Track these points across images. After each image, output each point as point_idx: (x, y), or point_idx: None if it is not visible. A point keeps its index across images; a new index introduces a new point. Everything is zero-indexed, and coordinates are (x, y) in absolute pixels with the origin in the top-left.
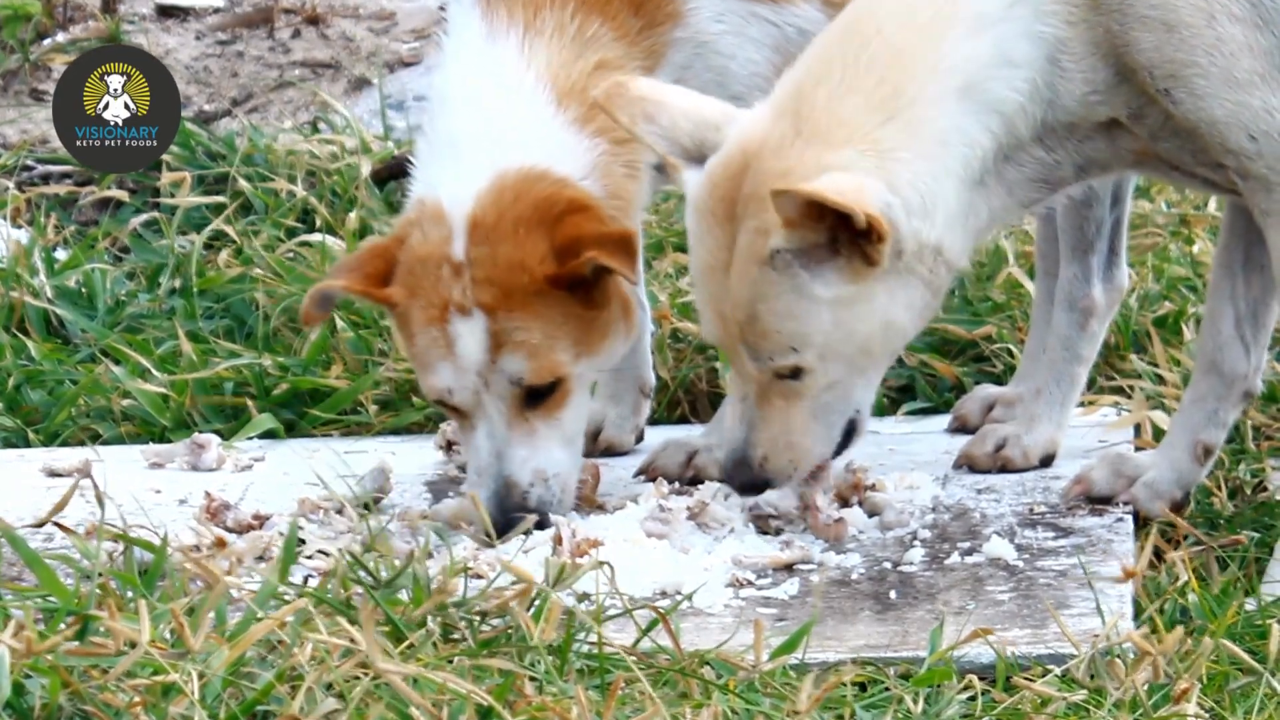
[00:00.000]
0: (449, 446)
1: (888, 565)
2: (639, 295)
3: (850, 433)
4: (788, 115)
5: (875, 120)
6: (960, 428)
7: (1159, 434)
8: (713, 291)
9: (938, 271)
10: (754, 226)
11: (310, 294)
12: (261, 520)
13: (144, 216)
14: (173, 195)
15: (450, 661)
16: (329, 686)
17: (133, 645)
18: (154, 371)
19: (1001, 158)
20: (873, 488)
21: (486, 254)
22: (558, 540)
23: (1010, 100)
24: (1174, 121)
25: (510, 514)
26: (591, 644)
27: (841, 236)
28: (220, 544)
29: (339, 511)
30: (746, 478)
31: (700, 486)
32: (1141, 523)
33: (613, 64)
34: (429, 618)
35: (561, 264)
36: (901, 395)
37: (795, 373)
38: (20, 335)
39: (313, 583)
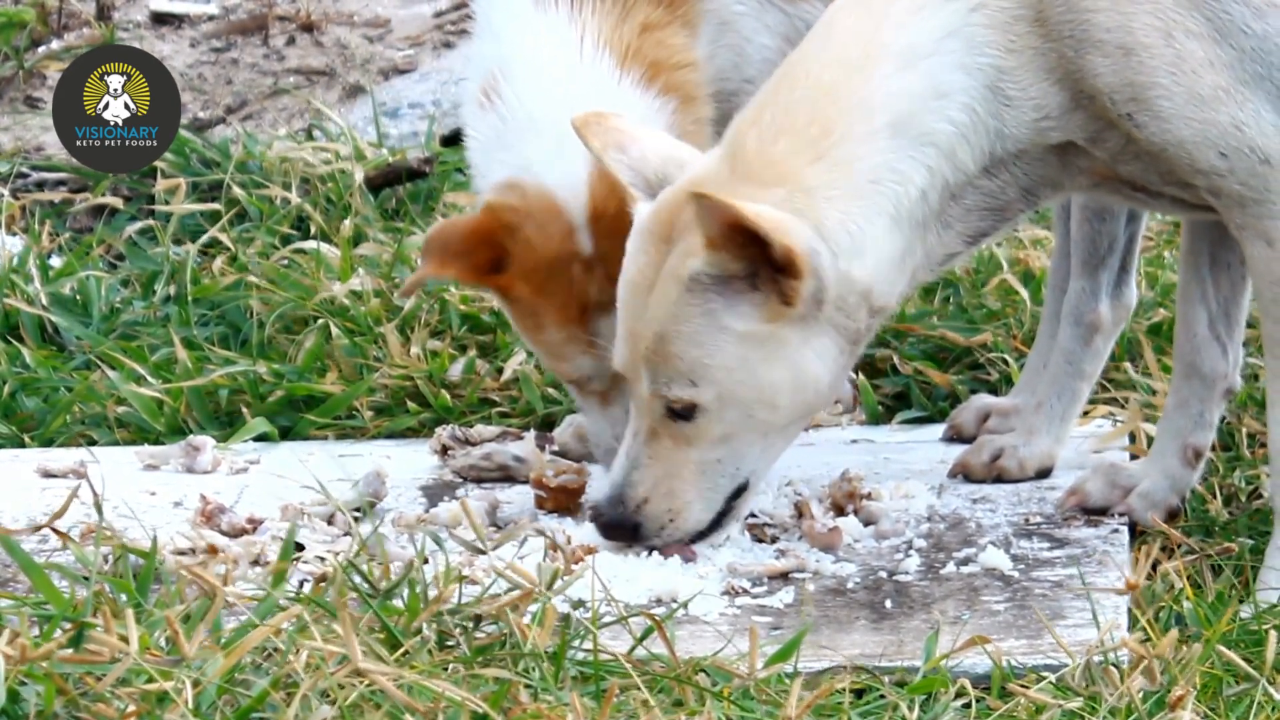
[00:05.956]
0: (444, 451)
1: (883, 574)
2: None
3: (735, 497)
4: (728, 157)
5: (804, 160)
6: (955, 437)
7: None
8: (631, 309)
9: (857, 317)
10: (682, 249)
11: (411, 283)
12: (255, 524)
13: (139, 224)
14: (167, 202)
15: (445, 668)
16: (324, 694)
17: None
18: (149, 378)
19: (948, 196)
20: (868, 496)
21: (616, 249)
22: (553, 548)
23: (943, 132)
24: (1138, 144)
25: None
26: (587, 651)
27: (762, 272)
28: (212, 551)
29: (329, 521)
30: (617, 515)
31: None
32: (1136, 532)
33: (656, 24)
34: (424, 624)
35: None
36: (897, 404)
37: (689, 411)
38: (15, 342)
39: (308, 588)
